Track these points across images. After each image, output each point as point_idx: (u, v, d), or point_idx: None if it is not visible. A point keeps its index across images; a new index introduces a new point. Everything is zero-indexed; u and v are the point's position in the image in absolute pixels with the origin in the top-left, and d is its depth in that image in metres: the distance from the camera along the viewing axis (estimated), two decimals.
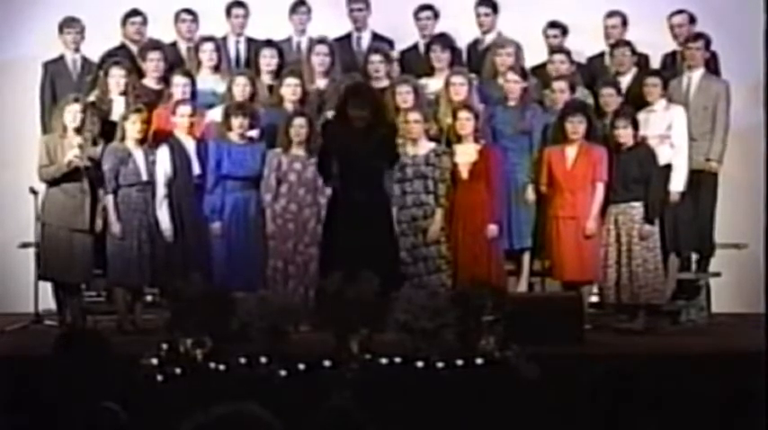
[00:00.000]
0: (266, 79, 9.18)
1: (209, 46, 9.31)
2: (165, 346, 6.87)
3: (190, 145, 8.69)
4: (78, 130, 8.51)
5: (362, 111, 7.91)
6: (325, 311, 7.14)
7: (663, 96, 8.96)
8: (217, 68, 9.30)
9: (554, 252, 8.67)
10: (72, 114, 8.51)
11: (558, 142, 8.73)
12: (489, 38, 9.71)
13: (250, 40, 9.73)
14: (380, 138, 8.04)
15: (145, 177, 8.47)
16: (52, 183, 8.53)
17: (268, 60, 9.25)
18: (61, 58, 9.52)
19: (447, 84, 8.98)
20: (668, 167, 8.84)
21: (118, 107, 8.89)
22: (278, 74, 9.21)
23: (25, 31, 10.12)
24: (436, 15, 9.77)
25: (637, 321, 8.55)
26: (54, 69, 9.49)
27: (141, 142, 8.49)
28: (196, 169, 8.66)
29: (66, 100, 8.68)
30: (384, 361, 6.84)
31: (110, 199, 8.44)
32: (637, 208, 8.56)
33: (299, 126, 8.59)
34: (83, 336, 4.40)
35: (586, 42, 9.83)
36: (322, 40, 9.37)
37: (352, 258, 7.69)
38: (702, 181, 9.14)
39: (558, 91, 8.99)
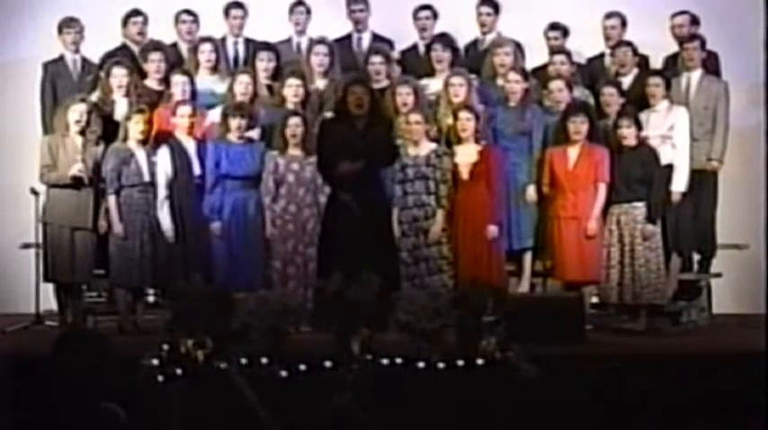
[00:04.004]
0: (264, 81, 9.18)
1: (207, 46, 9.31)
2: (165, 347, 6.87)
3: (190, 145, 8.70)
4: (82, 131, 8.52)
5: (361, 110, 7.99)
6: (325, 312, 7.14)
7: (665, 97, 8.97)
8: (215, 69, 9.31)
9: (556, 252, 8.67)
10: (78, 114, 8.52)
11: (560, 142, 8.74)
12: (489, 38, 9.71)
13: (249, 41, 9.73)
14: (378, 137, 8.07)
15: (147, 178, 8.47)
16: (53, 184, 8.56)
17: (265, 64, 9.24)
18: (61, 58, 9.52)
19: (446, 85, 8.98)
20: (670, 167, 8.85)
21: (120, 107, 8.89)
22: (275, 76, 9.20)
23: (25, 31, 10.12)
24: (435, 15, 9.77)
25: (638, 322, 8.56)
26: (54, 70, 9.49)
27: (143, 143, 8.49)
28: (197, 170, 8.67)
29: (73, 99, 8.68)
30: (385, 361, 6.83)
31: (112, 199, 8.44)
32: (639, 208, 8.56)
33: (294, 126, 8.60)
34: (83, 337, 4.39)
35: (587, 43, 9.83)
36: (321, 41, 9.38)
37: (350, 258, 7.70)
38: (703, 181, 9.15)
39: (556, 90, 8.99)
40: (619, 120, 8.70)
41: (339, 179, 8.03)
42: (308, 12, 9.81)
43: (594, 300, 8.77)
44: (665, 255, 8.71)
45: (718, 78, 9.40)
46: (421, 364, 6.80)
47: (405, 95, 8.86)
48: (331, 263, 7.83)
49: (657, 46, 9.66)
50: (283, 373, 6.72)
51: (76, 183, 8.48)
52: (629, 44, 9.43)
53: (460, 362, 6.81)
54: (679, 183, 8.90)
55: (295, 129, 8.60)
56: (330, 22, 9.90)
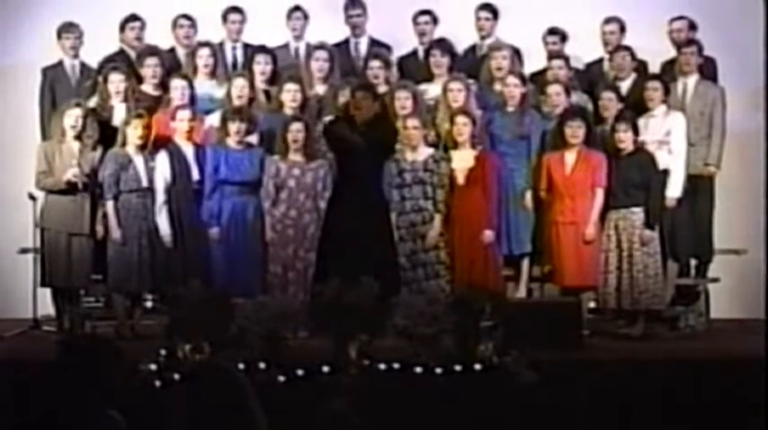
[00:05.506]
0: (261, 85, 9.18)
1: (205, 51, 9.30)
2: (163, 352, 6.87)
3: (189, 150, 8.69)
4: (78, 136, 8.53)
5: (360, 113, 8.05)
6: (323, 317, 7.14)
7: (663, 102, 8.97)
8: (213, 74, 9.30)
9: (554, 257, 8.66)
10: (73, 119, 8.52)
11: (558, 147, 8.73)
12: (487, 43, 9.71)
13: (247, 46, 9.73)
14: (380, 138, 8.12)
15: (145, 183, 8.46)
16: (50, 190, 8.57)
17: (263, 67, 9.23)
18: (60, 63, 9.52)
19: (445, 89, 8.98)
20: (667, 173, 8.84)
21: (118, 113, 8.89)
22: (272, 80, 9.20)
23: (24, 36, 10.12)
24: (435, 21, 9.77)
25: (635, 327, 8.54)
26: (53, 75, 9.48)
27: (142, 148, 8.48)
28: (195, 175, 8.66)
29: (68, 104, 8.68)
30: (383, 366, 6.84)
31: (110, 205, 8.44)
32: (637, 213, 8.55)
33: (296, 131, 8.60)
34: (89, 342, 4.37)
35: (585, 48, 9.83)
36: (321, 46, 9.37)
37: (349, 263, 7.70)
38: (700, 186, 9.15)
39: (554, 95, 8.99)
40: (616, 124, 8.69)
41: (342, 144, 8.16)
42: (306, 17, 9.81)
43: (591, 304, 8.76)
44: (663, 260, 8.70)
45: (714, 83, 9.40)
46: (418, 369, 6.81)
47: (403, 100, 8.86)
48: (330, 267, 7.84)
49: (656, 51, 9.66)
50: (281, 378, 6.73)
51: (72, 188, 8.47)
52: (627, 49, 9.43)
53: (458, 367, 6.81)
54: (674, 189, 8.89)
55: (297, 135, 8.60)
56: (327, 27, 9.89)
